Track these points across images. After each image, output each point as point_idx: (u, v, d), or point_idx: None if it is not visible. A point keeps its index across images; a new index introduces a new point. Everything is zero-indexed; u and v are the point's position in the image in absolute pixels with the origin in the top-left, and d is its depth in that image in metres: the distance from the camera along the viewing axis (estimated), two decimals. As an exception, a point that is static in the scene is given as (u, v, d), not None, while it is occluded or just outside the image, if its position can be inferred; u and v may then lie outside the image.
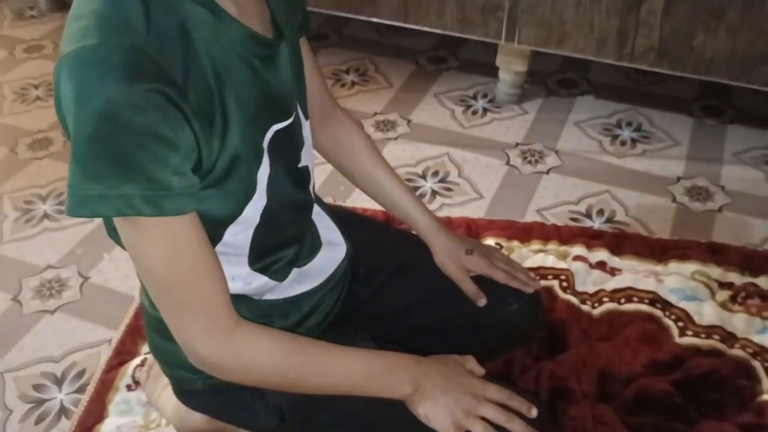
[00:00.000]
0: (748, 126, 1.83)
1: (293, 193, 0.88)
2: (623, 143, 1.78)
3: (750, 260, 1.41)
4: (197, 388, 0.95)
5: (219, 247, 0.81)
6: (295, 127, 0.86)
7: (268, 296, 0.91)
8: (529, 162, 1.73)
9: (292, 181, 0.86)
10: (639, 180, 1.67)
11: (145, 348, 1.26)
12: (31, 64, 2.15)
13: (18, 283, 1.44)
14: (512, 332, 1.07)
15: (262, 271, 0.88)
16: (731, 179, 1.67)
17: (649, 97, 1.93)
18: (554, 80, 2.01)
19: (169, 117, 0.65)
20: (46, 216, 1.60)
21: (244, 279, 0.87)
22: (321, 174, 1.59)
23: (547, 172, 1.70)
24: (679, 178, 1.67)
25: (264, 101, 0.77)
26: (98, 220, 1.57)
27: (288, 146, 0.85)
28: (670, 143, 1.78)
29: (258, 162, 0.78)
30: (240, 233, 0.82)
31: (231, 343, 0.77)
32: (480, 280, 1.03)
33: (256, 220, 0.82)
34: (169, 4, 0.68)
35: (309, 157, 0.91)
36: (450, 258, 1.04)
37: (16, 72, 2.11)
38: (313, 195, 0.95)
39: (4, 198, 1.66)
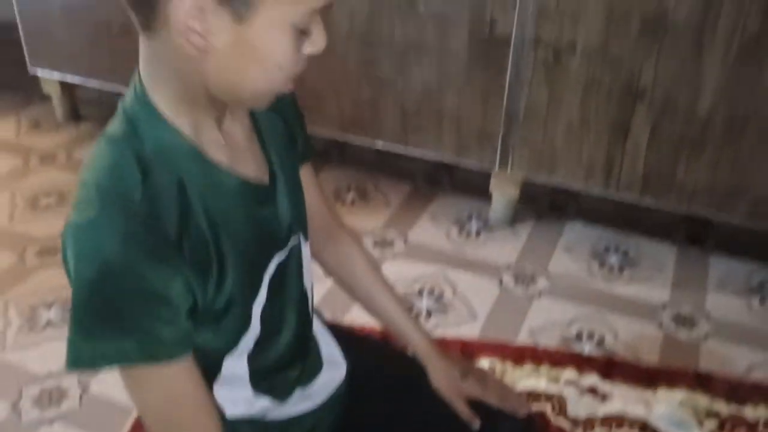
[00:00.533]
0: (730, 254, 1.91)
1: (290, 318, 0.92)
2: (611, 268, 1.86)
3: (736, 390, 1.45)
4: None
5: (220, 376, 0.85)
6: (295, 256, 0.91)
7: (271, 415, 0.95)
8: (522, 283, 1.79)
9: (291, 306, 0.91)
10: (627, 305, 1.73)
11: (141, 462, 1.27)
12: (45, 173, 2.23)
13: (18, 391, 1.46)
14: None
15: (266, 392, 0.92)
16: (716, 307, 1.73)
17: (636, 223, 2.02)
18: (545, 203, 2.11)
19: (162, 273, 0.71)
20: (50, 324, 1.64)
21: (247, 401, 0.91)
22: (321, 288, 1.64)
23: (539, 294, 1.76)
24: (665, 305, 1.73)
25: (260, 239, 0.82)
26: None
27: (289, 277, 0.90)
28: (656, 269, 1.85)
29: (254, 296, 0.83)
30: (237, 362, 0.87)
31: None
32: (474, 402, 1.07)
33: (250, 348, 0.87)
34: (165, 163, 0.74)
35: (308, 279, 0.96)
36: (445, 380, 1.08)
37: (29, 180, 2.19)
38: (311, 315, 1.00)
39: (10, 304, 1.69)
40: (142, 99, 0.75)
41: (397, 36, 1.84)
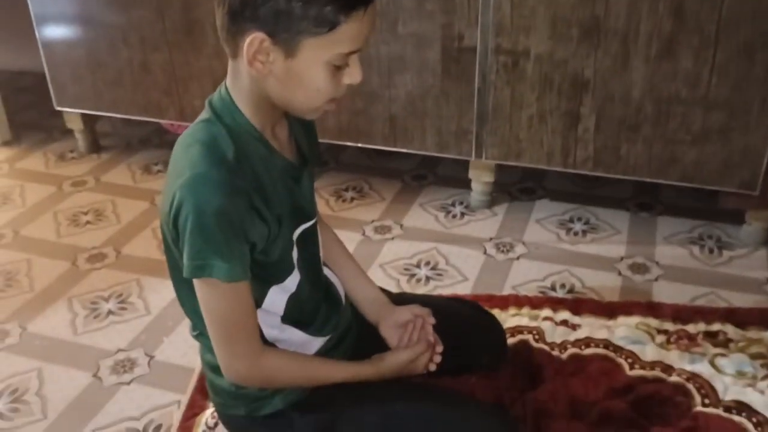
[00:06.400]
0: (673, 216, 2.28)
1: (314, 272, 1.26)
2: (575, 234, 2.22)
3: (680, 312, 1.80)
4: (240, 414, 1.26)
5: (262, 303, 1.17)
6: (314, 227, 1.25)
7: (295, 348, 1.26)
8: (502, 251, 2.14)
9: (313, 262, 1.26)
10: (590, 260, 2.08)
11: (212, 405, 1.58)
12: (79, 195, 2.54)
13: (96, 364, 1.76)
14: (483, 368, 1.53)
15: (294, 323, 1.23)
16: (663, 256, 2.09)
17: (594, 198, 2.39)
18: (517, 188, 2.47)
19: (248, 216, 1.04)
20: (111, 312, 1.94)
21: (277, 327, 1.22)
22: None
23: (518, 258, 2.10)
24: (622, 258, 2.09)
25: (294, 209, 1.17)
26: (155, 314, 1.92)
27: (310, 240, 1.24)
28: (613, 232, 2.22)
29: (291, 248, 1.17)
30: (279, 296, 1.19)
31: (259, 362, 1.14)
32: (457, 335, 1.38)
33: (293, 288, 1.20)
34: (243, 142, 1.08)
35: (319, 244, 1.29)
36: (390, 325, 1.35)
37: (66, 202, 2.50)
38: (323, 275, 1.32)
39: (73, 300, 2.00)
40: (227, 100, 1.09)
41: (382, 54, 2.20)
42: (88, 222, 2.38)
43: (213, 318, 1.10)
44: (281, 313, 1.21)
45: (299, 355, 1.23)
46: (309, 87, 1.03)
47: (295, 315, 1.22)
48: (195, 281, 1.08)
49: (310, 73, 1.01)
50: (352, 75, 1.05)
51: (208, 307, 1.10)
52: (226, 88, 1.09)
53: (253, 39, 0.97)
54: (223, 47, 1.05)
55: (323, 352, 1.29)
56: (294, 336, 1.24)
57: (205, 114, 1.10)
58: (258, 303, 1.16)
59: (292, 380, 1.21)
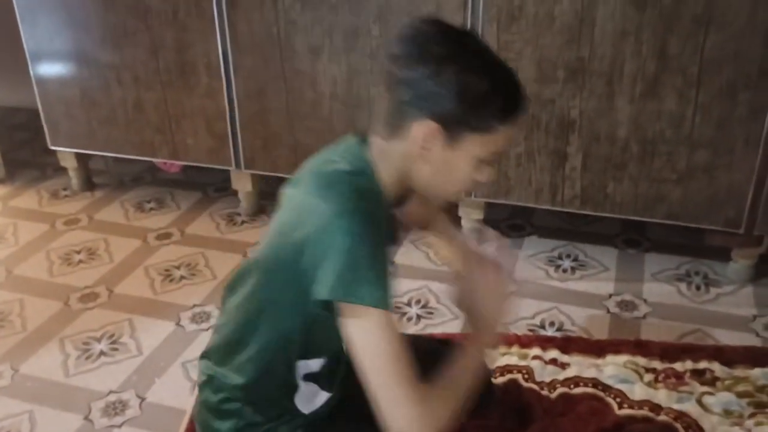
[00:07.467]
0: (661, 253, 2.31)
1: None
2: (564, 271, 2.24)
3: (667, 351, 1.82)
4: None
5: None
6: None
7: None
8: (492, 289, 2.15)
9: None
10: (579, 298, 2.10)
11: (201, 446, 1.57)
12: (71, 234, 2.55)
13: (87, 406, 1.76)
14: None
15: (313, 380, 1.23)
16: (651, 293, 2.11)
17: (582, 235, 2.42)
18: (506, 225, 2.50)
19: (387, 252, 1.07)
20: (102, 353, 1.94)
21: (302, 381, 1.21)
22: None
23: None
24: (610, 295, 2.11)
25: None
26: (146, 354, 1.93)
27: None
28: (601, 269, 2.24)
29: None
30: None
31: (427, 405, 1.05)
32: None
33: (316, 368, 1.20)
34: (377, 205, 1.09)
35: None
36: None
37: (59, 241, 2.51)
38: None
39: (65, 341, 2.00)
40: (368, 169, 1.11)
41: (372, 97, 2.23)
42: (80, 261, 2.39)
43: (375, 358, 1.03)
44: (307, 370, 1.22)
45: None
46: (455, 177, 1.11)
47: (315, 375, 1.23)
48: (349, 326, 1.04)
49: (461, 165, 1.10)
50: (487, 173, 1.12)
51: (367, 347, 1.04)
52: (368, 159, 1.12)
53: (428, 125, 1.05)
54: (383, 128, 1.10)
55: (325, 406, 1.29)
56: (309, 389, 1.24)
57: (347, 166, 1.12)
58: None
59: (455, 400, 1.10)
